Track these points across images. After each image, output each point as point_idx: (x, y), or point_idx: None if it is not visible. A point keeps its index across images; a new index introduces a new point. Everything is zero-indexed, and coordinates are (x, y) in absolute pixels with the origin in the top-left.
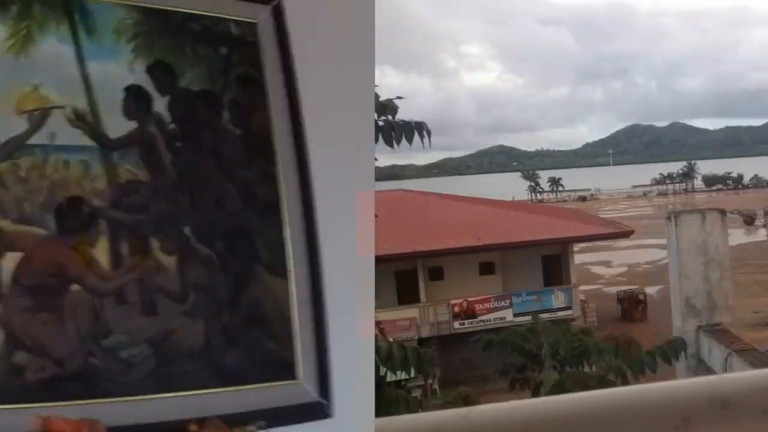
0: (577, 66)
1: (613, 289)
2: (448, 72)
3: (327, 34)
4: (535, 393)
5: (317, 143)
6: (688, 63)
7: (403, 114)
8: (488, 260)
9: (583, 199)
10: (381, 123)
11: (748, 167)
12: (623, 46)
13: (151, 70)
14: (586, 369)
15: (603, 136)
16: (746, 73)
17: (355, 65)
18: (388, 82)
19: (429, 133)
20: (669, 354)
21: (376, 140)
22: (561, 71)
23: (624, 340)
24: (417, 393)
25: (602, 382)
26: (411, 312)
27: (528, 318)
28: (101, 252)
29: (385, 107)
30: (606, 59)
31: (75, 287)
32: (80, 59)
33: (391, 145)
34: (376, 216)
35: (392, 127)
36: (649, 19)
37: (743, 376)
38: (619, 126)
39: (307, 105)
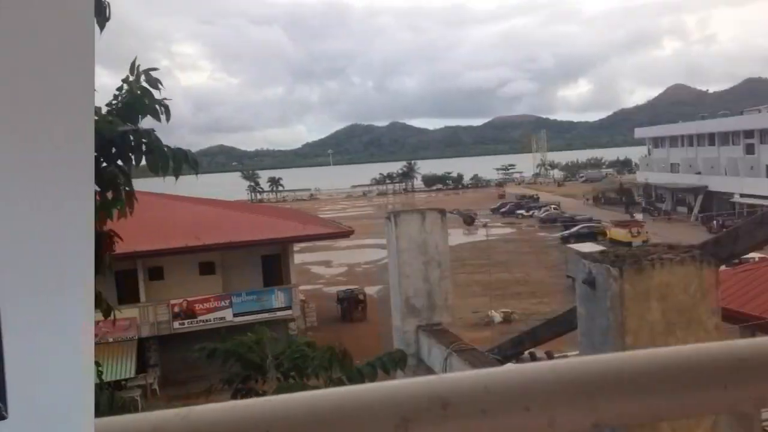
0: (292, 65)
1: (334, 289)
2: (162, 71)
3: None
4: None
5: (18, 145)
6: (406, 62)
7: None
8: (208, 260)
9: (303, 198)
10: (144, 148)
11: (467, 167)
12: (339, 45)
13: None
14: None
15: (322, 135)
16: (464, 73)
17: (67, 65)
18: (99, 82)
19: (197, 163)
20: (389, 365)
21: (137, 164)
22: (276, 71)
23: (340, 352)
24: (137, 393)
25: None
26: (131, 312)
27: (248, 318)
28: None
29: (144, 134)
30: (322, 59)
31: None
32: None
33: (157, 173)
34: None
35: (151, 151)
36: (364, 18)
37: (463, 375)
38: (339, 126)
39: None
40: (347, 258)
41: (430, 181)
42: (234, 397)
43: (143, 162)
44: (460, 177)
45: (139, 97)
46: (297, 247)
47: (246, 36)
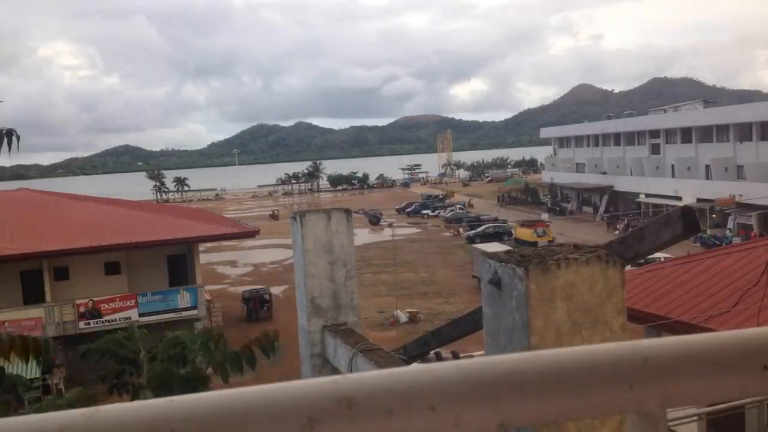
0: (175, 63)
1: (239, 289)
2: (33, 70)
3: None
4: (135, 396)
5: None
6: (299, 60)
7: None
8: (114, 260)
9: (209, 198)
10: None
11: (373, 166)
12: (223, 41)
13: None
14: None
15: (228, 135)
16: (360, 71)
17: None
18: None
19: (18, 138)
20: (267, 348)
21: None
22: (158, 68)
23: (216, 335)
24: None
25: (196, 377)
26: (36, 312)
27: (154, 318)
28: None
29: None
30: (207, 56)
31: None
32: None
33: None
34: None
35: None
36: (247, 12)
37: (368, 375)
38: (245, 126)
39: None
40: (253, 258)
41: (335, 181)
42: (110, 392)
43: None
44: (365, 177)
45: None
46: (202, 247)
47: (126, 33)
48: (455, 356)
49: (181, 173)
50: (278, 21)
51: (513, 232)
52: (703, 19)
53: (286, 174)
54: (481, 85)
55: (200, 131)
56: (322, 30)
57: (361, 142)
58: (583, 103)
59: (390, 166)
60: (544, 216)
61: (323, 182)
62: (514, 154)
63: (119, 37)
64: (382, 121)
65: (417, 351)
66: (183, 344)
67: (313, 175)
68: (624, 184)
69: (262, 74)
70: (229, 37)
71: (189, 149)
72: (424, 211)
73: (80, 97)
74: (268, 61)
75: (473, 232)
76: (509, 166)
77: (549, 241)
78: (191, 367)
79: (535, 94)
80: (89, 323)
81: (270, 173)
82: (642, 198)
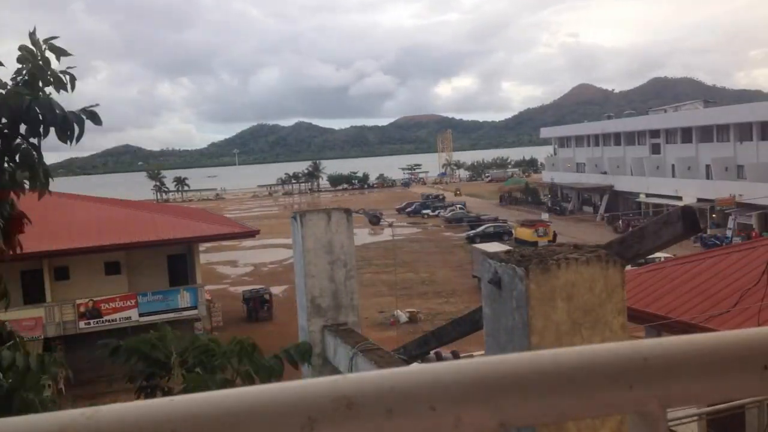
0: (145, 60)
1: (240, 289)
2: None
3: None
4: None
5: None
6: (298, 59)
7: None
8: (114, 260)
9: (209, 198)
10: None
11: (373, 166)
12: (197, 36)
13: None
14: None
15: (228, 135)
16: (347, 68)
17: None
18: None
19: (98, 118)
20: (296, 357)
21: (45, 136)
22: (129, 67)
23: (248, 345)
24: (46, 393)
25: (228, 386)
26: (37, 312)
27: (154, 317)
28: None
29: (55, 104)
30: (181, 52)
31: None
32: None
33: (66, 142)
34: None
35: (65, 120)
36: (219, 5)
37: (368, 375)
38: (245, 125)
39: None
40: (253, 258)
41: (335, 180)
42: (138, 395)
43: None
44: (365, 177)
45: (42, 68)
46: (203, 246)
47: (99, 28)
48: (455, 356)
49: (182, 173)
50: (252, 14)
51: (513, 232)
52: (702, 18)
53: (286, 174)
54: (482, 85)
55: (201, 131)
56: (300, 25)
57: (361, 142)
58: (583, 103)
59: (390, 166)
60: (545, 216)
61: (323, 182)
62: (514, 154)
63: (105, 33)
64: (382, 121)
65: (417, 351)
66: (213, 353)
67: (313, 174)
68: (624, 184)
69: (262, 73)
70: (201, 32)
71: (189, 149)
72: (424, 211)
73: (74, 97)
74: (267, 60)
75: (473, 232)
76: (509, 166)
77: (549, 241)
78: (224, 378)
79: (538, 94)
80: (89, 323)
81: (270, 173)
82: (642, 198)
